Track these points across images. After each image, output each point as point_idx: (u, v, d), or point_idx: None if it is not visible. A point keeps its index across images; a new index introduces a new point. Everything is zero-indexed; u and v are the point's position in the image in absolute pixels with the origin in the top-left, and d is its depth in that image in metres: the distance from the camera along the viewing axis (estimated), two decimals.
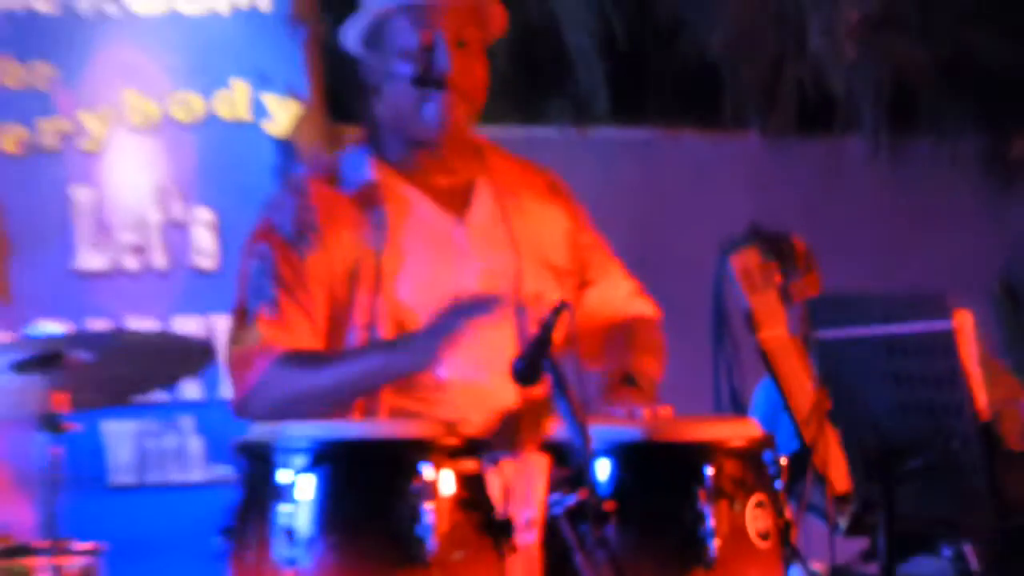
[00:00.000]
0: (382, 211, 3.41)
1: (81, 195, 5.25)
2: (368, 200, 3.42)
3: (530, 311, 3.36)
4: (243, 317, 3.40)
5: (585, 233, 3.60)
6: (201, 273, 5.31)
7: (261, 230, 3.44)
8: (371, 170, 3.45)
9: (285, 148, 5.37)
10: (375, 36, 3.48)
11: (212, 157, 5.35)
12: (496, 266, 3.43)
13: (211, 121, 5.35)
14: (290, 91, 5.41)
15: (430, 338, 3.21)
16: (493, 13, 3.48)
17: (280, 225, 3.42)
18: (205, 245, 5.31)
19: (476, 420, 3.18)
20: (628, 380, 3.38)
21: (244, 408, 3.36)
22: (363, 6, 3.49)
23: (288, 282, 3.36)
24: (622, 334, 3.54)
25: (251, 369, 3.34)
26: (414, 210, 3.43)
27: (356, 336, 3.36)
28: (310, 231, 3.39)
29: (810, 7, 6.62)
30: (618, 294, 3.61)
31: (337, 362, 3.34)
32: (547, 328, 2.97)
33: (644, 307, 3.64)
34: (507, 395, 3.27)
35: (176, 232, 5.31)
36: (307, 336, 3.36)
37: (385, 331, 3.35)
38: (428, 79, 3.39)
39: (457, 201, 3.46)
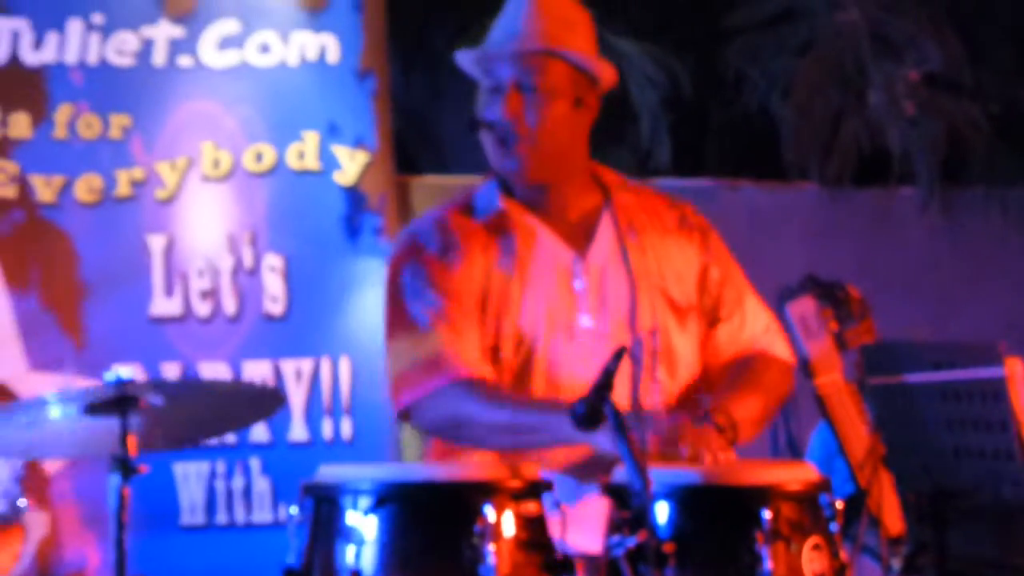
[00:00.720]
0: (512, 238, 3.46)
1: (155, 242, 5.29)
2: (499, 227, 3.47)
3: (646, 345, 3.39)
4: (413, 327, 3.39)
5: (719, 268, 3.57)
6: (270, 318, 5.35)
7: (407, 249, 3.47)
8: (500, 201, 3.50)
9: (353, 197, 5.41)
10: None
11: (282, 206, 5.38)
12: (611, 301, 3.46)
13: (282, 171, 5.38)
14: (358, 142, 5.42)
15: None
16: (599, 67, 3.51)
17: (426, 243, 3.46)
18: (275, 291, 5.35)
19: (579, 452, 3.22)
20: (705, 420, 3.35)
21: (411, 413, 3.38)
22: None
23: (447, 290, 3.39)
24: (734, 370, 3.52)
25: (434, 376, 3.34)
26: (540, 241, 3.47)
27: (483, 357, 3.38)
28: (454, 248, 3.44)
29: (871, 66, 6.65)
30: (749, 331, 3.57)
31: (518, 406, 3.34)
32: (608, 372, 2.99)
33: (776, 345, 3.59)
34: None
35: (247, 278, 5.35)
36: (476, 342, 3.37)
37: (507, 355, 3.39)
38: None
39: (580, 236, 3.50)
